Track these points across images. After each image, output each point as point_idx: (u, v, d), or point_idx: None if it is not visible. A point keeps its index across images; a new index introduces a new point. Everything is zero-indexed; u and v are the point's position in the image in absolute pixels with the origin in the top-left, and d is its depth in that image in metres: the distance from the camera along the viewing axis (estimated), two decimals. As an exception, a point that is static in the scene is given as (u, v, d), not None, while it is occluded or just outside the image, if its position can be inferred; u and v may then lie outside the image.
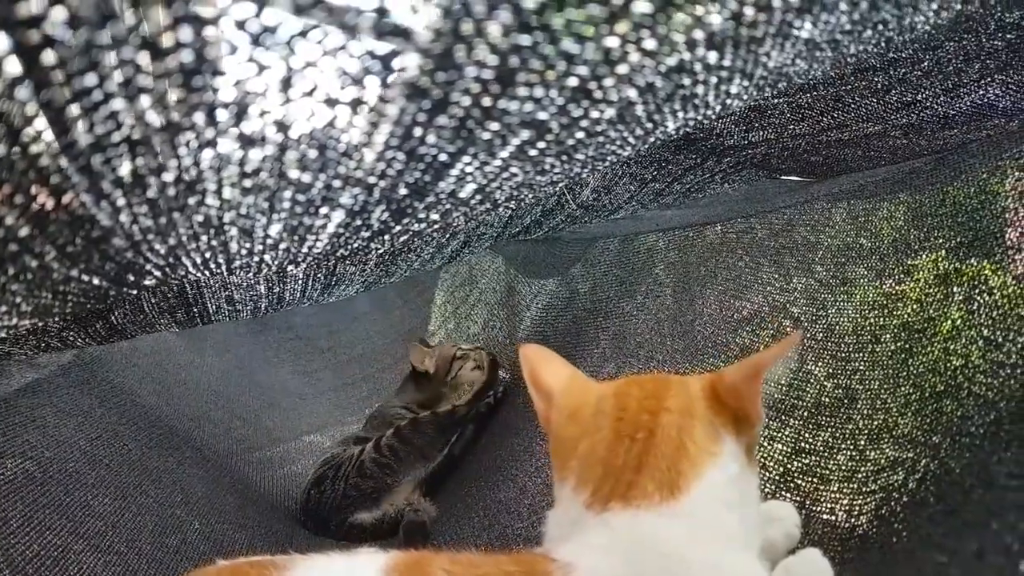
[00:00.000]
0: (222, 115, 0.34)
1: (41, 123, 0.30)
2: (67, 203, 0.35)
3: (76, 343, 0.99)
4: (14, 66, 0.28)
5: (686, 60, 0.41)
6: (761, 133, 1.21)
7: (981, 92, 0.94)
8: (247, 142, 0.36)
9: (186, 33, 0.29)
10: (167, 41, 0.29)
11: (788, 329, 0.97)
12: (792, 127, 1.16)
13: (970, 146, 0.88)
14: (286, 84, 0.33)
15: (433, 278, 2.68)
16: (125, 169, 0.35)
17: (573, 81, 0.38)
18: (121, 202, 0.37)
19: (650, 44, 0.37)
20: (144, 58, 0.30)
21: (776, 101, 1.07)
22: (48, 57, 0.28)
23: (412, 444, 1.59)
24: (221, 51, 0.31)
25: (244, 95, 0.33)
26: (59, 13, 0.26)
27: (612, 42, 0.36)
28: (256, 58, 0.32)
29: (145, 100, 0.31)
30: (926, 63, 0.92)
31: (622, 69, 0.39)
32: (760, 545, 0.61)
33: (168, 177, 0.36)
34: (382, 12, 0.30)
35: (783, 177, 1.49)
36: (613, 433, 0.62)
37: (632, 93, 0.42)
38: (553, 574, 0.56)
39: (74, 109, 0.30)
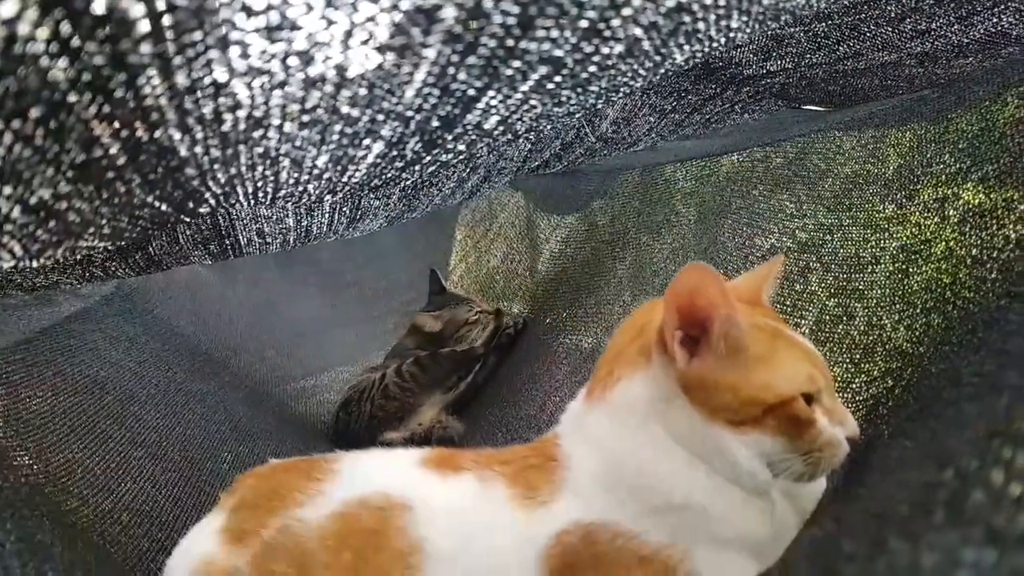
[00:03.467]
0: (293, 61, 0.39)
1: (152, 71, 0.36)
2: (158, 136, 0.41)
3: (117, 273, 1.05)
4: (144, 26, 0.33)
5: (683, 1, 0.45)
6: (779, 62, 1.22)
7: (995, 20, 0.95)
8: (310, 84, 0.41)
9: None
10: (259, 4, 0.35)
11: (795, 256, 1.02)
12: (809, 56, 1.17)
13: (976, 74, 0.90)
14: (348, 35, 0.39)
15: (453, 213, 2.72)
16: (208, 107, 0.41)
17: (584, 23, 0.43)
18: (200, 135, 0.43)
19: (650, -13, 0.42)
20: (240, 18, 0.35)
21: (792, 30, 1.08)
22: (167, 19, 0.33)
23: (429, 373, 1.67)
24: (300, 11, 0.36)
25: (313, 44, 0.38)
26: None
27: (616, -12, 0.41)
28: (327, 15, 0.38)
29: (234, 51, 0.37)
30: (940, -10, 0.93)
31: (626, 11, 0.44)
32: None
33: (241, 114, 0.42)
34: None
35: (802, 107, 1.50)
36: (613, 342, 0.73)
37: (638, 31, 0.46)
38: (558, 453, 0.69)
39: (178, 59, 0.36)
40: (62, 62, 0.33)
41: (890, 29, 1.04)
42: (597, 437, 0.68)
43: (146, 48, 0.34)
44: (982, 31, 0.98)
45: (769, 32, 1.01)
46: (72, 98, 0.35)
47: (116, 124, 0.38)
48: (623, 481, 0.64)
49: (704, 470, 0.63)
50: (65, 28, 0.32)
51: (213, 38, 0.35)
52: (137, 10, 0.32)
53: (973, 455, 0.31)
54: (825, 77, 1.26)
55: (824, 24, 1.06)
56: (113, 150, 0.40)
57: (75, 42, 0.32)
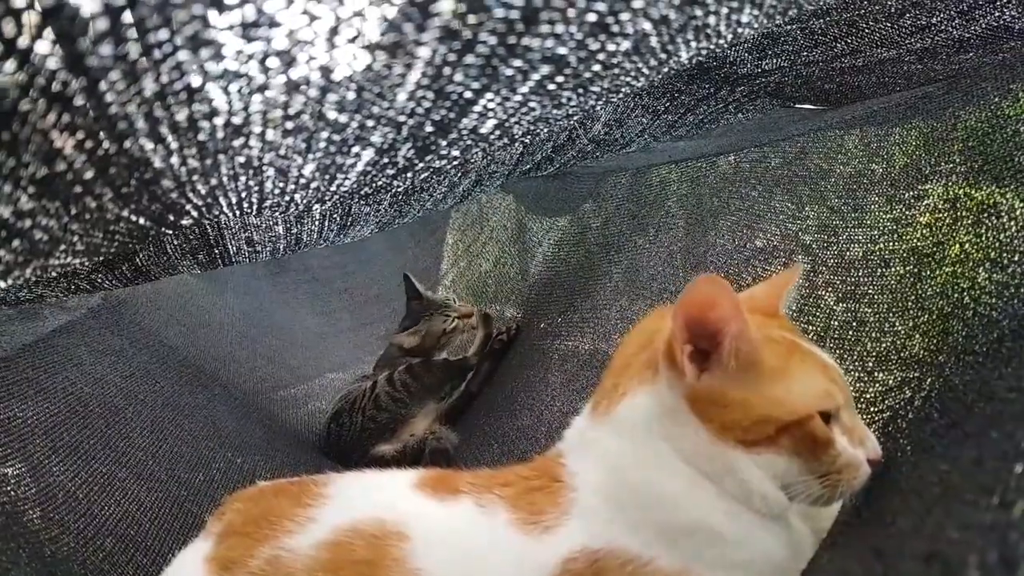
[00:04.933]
0: (273, 63, 0.36)
1: (115, 75, 0.33)
2: (128, 147, 0.38)
3: (104, 285, 1.03)
4: (102, 24, 0.30)
5: (697, -7, 0.42)
6: (775, 61, 1.20)
7: (997, 14, 0.93)
8: (293, 87, 0.38)
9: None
10: (232, -1, 0.32)
11: (799, 259, 0.99)
12: (806, 54, 1.15)
13: (982, 70, 0.88)
14: (333, 32, 0.35)
15: (444, 218, 2.69)
16: (182, 115, 0.37)
17: (592, 17, 0.40)
18: (174, 145, 0.39)
19: (664, -22, 0.39)
20: (212, 14, 0.32)
21: (789, 27, 1.06)
22: (128, 16, 0.30)
23: (422, 381, 1.64)
24: (278, 5, 0.33)
25: (295, 44, 0.35)
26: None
27: (629, -23, 0.38)
28: (309, 10, 0.34)
29: (207, 52, 0.33)
30: (942, -16, 0.91)
31: (638, 3, 0.41)
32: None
33: (219, 121, 0.39)
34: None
35: (797, 105, 1.48)
36: (619, 353, 0.71)
37: (647, 26, 0.43)
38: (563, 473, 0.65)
39: (144, 62, 0.32)
40: (9, 65, 0.30)
41: (889, 25, 1.01)
42: (603, 456, 0.64)
43: (106, 50, 0.31)
44: (984, 25, 0.96)
45: (766, 30, 0.98)
46: (25, 106, 0.32)
47: (79, 135, 0.35)
48: (633, 503, 0.61)
49: (714, 491, 0.59)
50: (8, 27, 0.28)
51: (182, 37, 0.32)
52: (91, 6, 0.29)
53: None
54: (821, 75, 1.24)
55: (822, 20, 1.04)
56: (78, 163, 0.36)
57: (22, 42, 0.29)
